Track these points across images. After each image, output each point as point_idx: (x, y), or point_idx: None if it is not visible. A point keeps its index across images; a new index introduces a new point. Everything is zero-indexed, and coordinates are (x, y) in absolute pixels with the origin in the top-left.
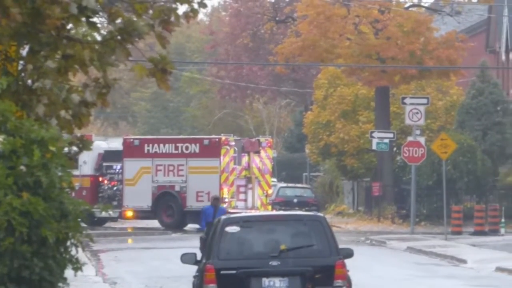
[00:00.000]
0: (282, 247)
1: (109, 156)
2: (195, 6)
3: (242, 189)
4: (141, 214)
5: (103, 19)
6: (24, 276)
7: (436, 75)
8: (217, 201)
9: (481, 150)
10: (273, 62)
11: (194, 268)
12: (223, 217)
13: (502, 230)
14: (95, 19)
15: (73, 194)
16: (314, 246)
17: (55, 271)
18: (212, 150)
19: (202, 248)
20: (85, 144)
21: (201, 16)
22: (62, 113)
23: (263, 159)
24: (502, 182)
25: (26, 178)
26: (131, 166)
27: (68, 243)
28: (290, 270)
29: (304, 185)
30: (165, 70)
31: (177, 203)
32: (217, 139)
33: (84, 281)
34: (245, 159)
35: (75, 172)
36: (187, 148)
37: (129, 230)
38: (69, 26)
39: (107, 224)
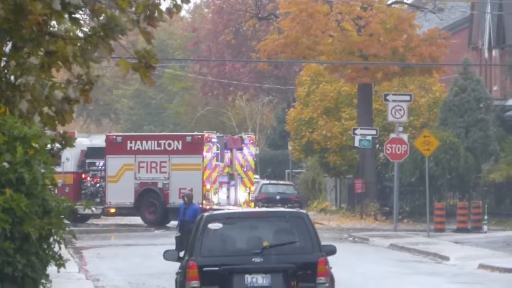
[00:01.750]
0: (265, 244)
1: (92, 153)
2: (178, 1)
3: (224, 186)
4: (123, 211)
5: (85, 16)
6: (7, 272)
7: (419, 72)
8: (185, 199)
9: (464, 147)
10: (255, 59)
11: (177, 265)
12: (206, 214)
13: (485, 227)
14: (77, 15)
15: (56, 191)
16: (297, 243)
17: (38, 267)
18: (194, 147)
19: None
20: (67, 140)
21: (183, 13)
22: (45, 109)
23: (246, 156)
24: (485, 179)
25: (9, 174)
26: (114, 163)
27: (51, 239)
28: (272, 267)
29: (286, 182)
30: (149, 65)
31: (159, 200)
32: (199, 136)
33: (67, 278)
34: (227, 156)
35: (58, 169)
36: (169, 145)
37: (112, 227)
38: (52, 22)
39: (90, 221)
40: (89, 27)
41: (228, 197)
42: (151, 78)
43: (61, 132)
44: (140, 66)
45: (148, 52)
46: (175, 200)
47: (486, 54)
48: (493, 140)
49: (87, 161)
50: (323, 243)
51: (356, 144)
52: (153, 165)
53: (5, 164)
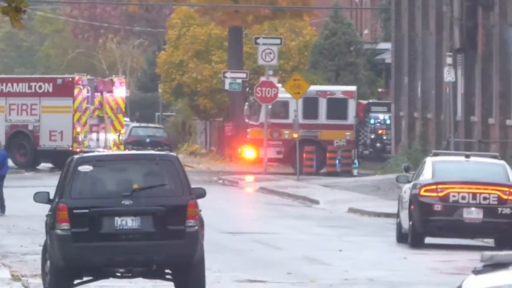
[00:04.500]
0: (135, 186)
1: None
2: None
3: (94, 128)
4: None
5: None
6: None
7: (289, 15)
8: None
9: None
10: (126, 1)
11: (47, 207)
12: (76, 156)
13: (355, 171)
14: None
15: None
16: (167, 185)
17: None
18: (65, 89)
19: None
20: None
21: None
22: None
23: (116, 99)
24: None
25: None
26: None
27: None
28: (142, 209)
29: (156, 125)
30: (19, 9)
31: (30, 142)
32: (70, 79)
33: None
34: (98, 98)
35: None
36: (40, 87)
37: None
38: None
39: None
40: None
41: (98, 139)
42: (21, 22)
43: None
44: (9, 9)
45: None
46: (45, 142)
47: None
48: (364, 83)
49: None
50: (193, 186)
51: (226, 87)
52: (24, 107)
53: None
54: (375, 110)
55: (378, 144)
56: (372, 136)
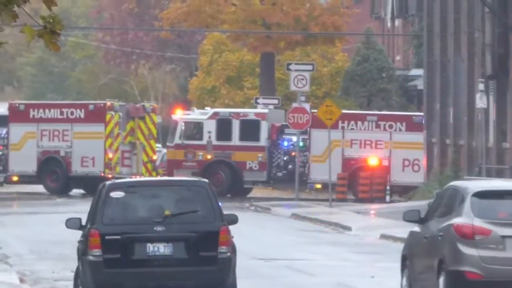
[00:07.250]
0: (166, 212)
1: None
2: None
3: (127, 154)
4: (26, 179)
5: None
6: None
7: (321, 41)
8: None
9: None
10: (158, 27)
11: (79, 233)
12: (108, 182)
13: (387, 198)
14: None
15: None
16: (199, 212)
17: None
18: (97, 115)
19: None
20: None
21: None
22: None
23: (148, 125)
24: None
25: None
26: (16, 131)
27: None
28: (174, 236)
29: None
30: (54, 31)
31: (62, 168)
32: (102, 104)
33: None
34: (130, 124)
35: None
36: (72, 113)
37: (14, 195)
38: None
39: None
40: None
41: (130, 166)
42: (56, 44)
43: None
44: (45, 32)
45: (53, 18)
46: (77, 168)
47: (389, 24)
48: (396, 109)
49: None
50: (225, 212)
51: None
52: (56, 133)
53: None
54: (288, 132)
55: (290, 166)
56: (285, 158)
